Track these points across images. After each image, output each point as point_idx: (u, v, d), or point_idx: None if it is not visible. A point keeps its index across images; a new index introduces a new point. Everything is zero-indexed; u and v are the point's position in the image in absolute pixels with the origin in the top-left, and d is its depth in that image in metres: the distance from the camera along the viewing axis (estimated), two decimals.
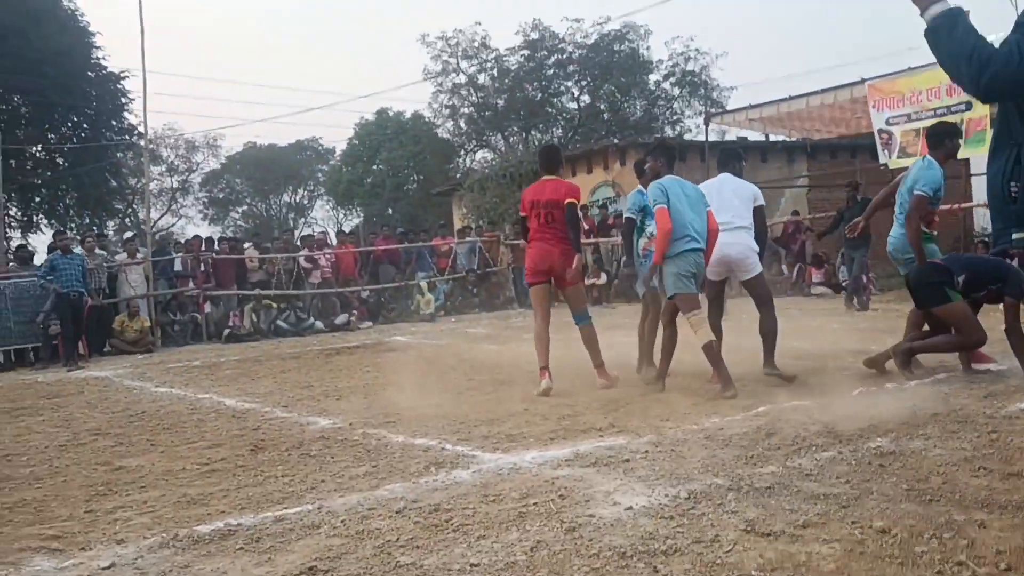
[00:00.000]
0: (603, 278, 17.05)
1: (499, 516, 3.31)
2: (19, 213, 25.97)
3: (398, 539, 3.11)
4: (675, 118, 33.71)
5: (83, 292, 11.86)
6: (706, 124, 20.44)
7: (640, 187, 6.97)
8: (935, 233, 6.46)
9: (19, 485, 4.47)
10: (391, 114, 34.96)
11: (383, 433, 5.18)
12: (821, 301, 14.73)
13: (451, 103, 32.70)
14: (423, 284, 16.34)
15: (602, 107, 33.69)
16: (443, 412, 5.79)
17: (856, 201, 13.01)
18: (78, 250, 12.84)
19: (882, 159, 14.96)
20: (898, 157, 14.40)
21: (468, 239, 18.42)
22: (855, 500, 3.26)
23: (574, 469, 3.99)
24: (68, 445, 5.55)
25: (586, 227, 15.98)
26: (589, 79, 32.80)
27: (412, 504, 3.55)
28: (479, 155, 33.61)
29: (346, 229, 25.50)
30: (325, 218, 44.84)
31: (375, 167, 34.30)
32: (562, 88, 33.16)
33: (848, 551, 2.72)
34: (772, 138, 21.09)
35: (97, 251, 13.86)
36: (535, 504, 3.43)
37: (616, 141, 24.60)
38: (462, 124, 33.32)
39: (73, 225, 25.08)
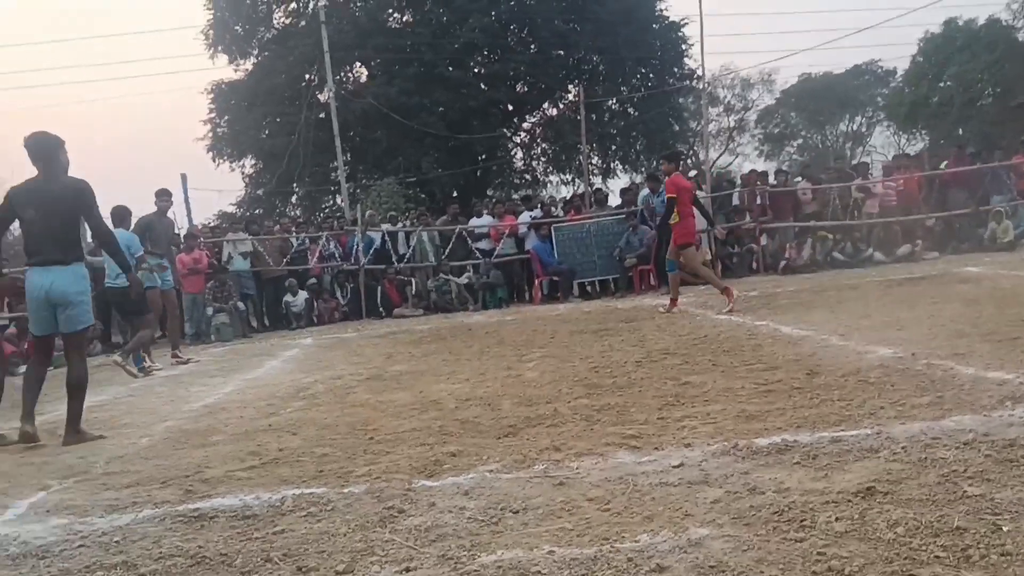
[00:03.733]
0: None
1: None
2: (599, 161, 29.29)
3: (965, 470, 2.92)
4: None
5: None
6: None
7: None
8: None
9: (605, 392, 5.20)
10: (960, 23, 31.07)
11: (950, 364, 4.82)
12: None
13: None
14: (1000, 209, 14.46)
15: None
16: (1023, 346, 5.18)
17: None
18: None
19: None
20: None
21: None
22: None
23: None
24: (643, 362, 6.25)
25: None
26: None
27: (982, 437, 3.29)
28: None
29: (910, 154, 23.57)
30: (885, 144, 42.08)
31: (942, 84, 30.94)
32: None
33: None
34: None
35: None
36: None
37: None
38: None
39: (643, 169, 27.50)
